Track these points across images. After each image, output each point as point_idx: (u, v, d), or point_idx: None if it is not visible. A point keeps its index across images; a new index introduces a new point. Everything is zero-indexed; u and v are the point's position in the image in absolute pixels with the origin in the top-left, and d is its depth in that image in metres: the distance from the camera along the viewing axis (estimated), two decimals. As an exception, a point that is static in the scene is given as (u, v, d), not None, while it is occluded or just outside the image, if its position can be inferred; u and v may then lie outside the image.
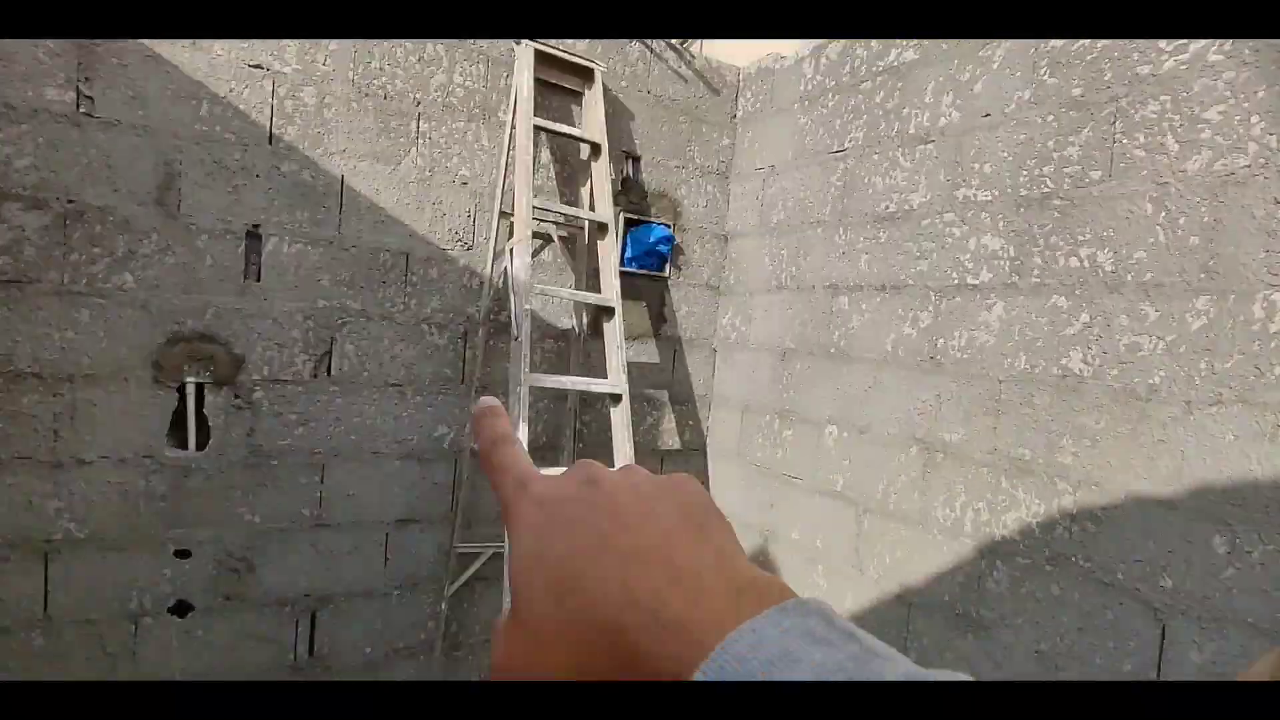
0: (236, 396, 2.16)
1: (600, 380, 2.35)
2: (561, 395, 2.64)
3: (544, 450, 2.63)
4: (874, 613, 2.23)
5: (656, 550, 0.28)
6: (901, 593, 2.15)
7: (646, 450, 2.86)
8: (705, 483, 3.03)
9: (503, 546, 2.05)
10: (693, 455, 2.99)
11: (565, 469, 0.33)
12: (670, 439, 2.93)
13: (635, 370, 2.82)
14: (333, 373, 2.28)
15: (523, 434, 2.05)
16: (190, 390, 2.09)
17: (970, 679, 0.24)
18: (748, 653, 0.24)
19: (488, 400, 0.37)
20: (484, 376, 2.49)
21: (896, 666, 0.24)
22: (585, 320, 2.67)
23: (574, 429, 2.65)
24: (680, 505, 0.30)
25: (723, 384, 2.99)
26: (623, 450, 2.25)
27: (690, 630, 0.26)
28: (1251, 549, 1.43)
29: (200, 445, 2.12)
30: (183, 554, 2.11)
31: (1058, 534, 1.76)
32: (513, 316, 2.20)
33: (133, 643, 2.06)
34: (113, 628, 2.04)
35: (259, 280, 2.17)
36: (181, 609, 2.12)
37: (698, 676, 0.24)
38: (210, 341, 2.12)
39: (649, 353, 2.86)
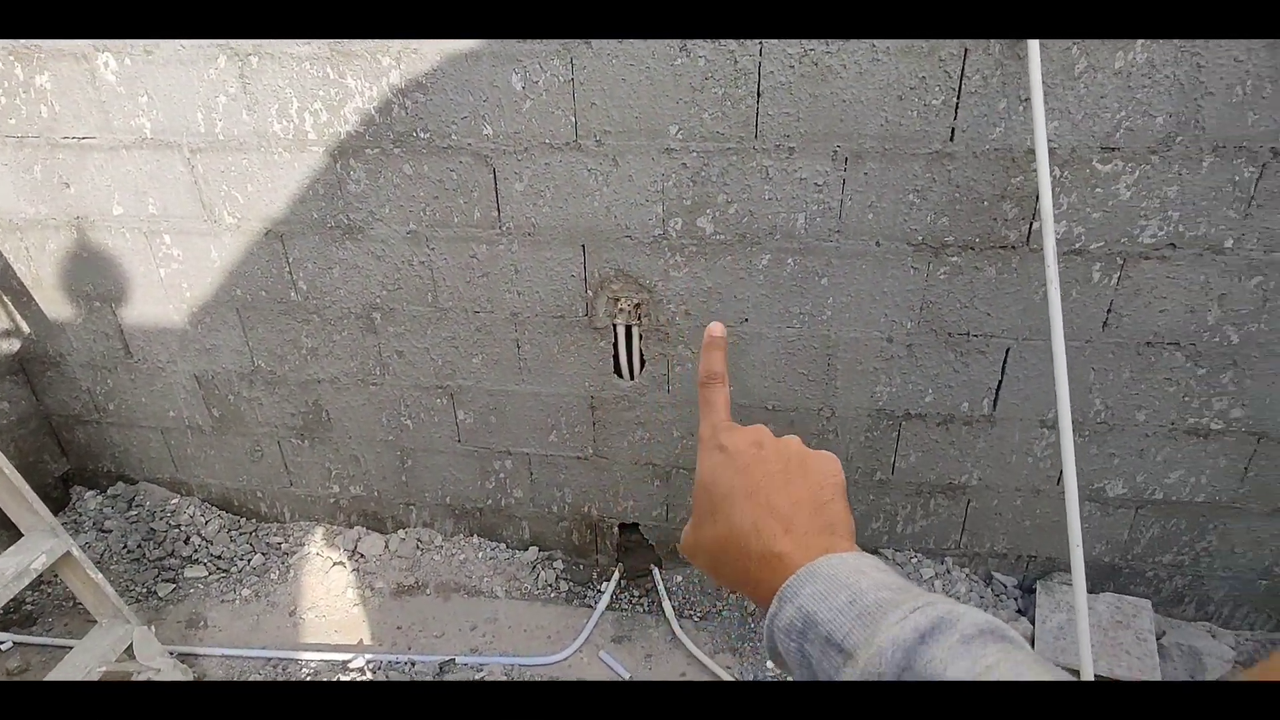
0: None
1: None
2: None
3: None
4: (247, 258, 2.05)
5: (781, 509, 0.45)
6: (270, 228, 1.99)
7: None
8: None
9: None
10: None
11: (749, 427, 0.50)
12: None
13: None
14: None
15: None
16: None
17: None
18: (823, 568, 0.41)
19: (717, 328, 0.53)
20: None
21: (929, 597, 0.38)
22: None
23: None
24: (814, 482, 0.47)
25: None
26: None
27: (787, 561, 0.42)
28: (538, 78, 1.68)
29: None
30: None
31: (395, 114, 1.78)
32: None
33: None
34: None
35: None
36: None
37: (783, 589, 0.41)
38: None
39: None
